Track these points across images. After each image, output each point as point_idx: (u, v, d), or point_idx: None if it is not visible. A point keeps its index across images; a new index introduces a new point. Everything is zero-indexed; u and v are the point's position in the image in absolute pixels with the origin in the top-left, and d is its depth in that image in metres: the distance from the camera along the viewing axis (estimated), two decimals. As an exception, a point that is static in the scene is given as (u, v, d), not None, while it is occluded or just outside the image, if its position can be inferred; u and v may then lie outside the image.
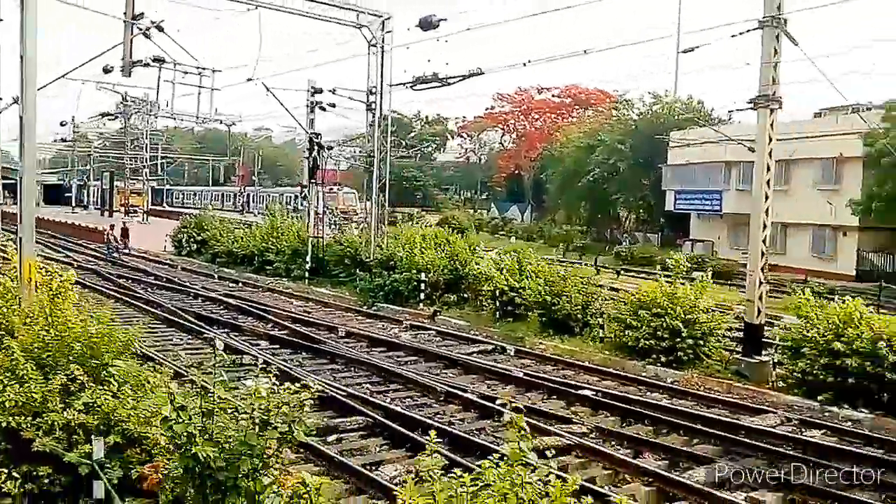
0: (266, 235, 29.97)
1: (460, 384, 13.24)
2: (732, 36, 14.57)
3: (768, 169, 14.56)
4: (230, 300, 22.16)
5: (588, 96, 79.55)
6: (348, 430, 10.53)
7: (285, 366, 13.39)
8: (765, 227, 14.58)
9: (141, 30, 21.15)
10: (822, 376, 12.57)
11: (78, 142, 75.53)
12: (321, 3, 24.64)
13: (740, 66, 30.55)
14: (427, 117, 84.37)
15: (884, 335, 12.00)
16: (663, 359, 14.91)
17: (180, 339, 16.94)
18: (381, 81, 26.05)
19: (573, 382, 13.71)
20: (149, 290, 24.38)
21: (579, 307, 17.48)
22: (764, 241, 14.68)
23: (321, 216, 29.58)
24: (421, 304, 21.66)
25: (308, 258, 27.20)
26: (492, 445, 9.44)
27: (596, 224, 62.31)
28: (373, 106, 26.20)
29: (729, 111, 48.10)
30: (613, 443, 10.48)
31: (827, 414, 12.27)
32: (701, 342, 14.86)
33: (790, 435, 10.97)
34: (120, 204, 65.20)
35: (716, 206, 44.92)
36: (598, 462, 9.63)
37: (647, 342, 15.17)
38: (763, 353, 14.24)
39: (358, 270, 24.99)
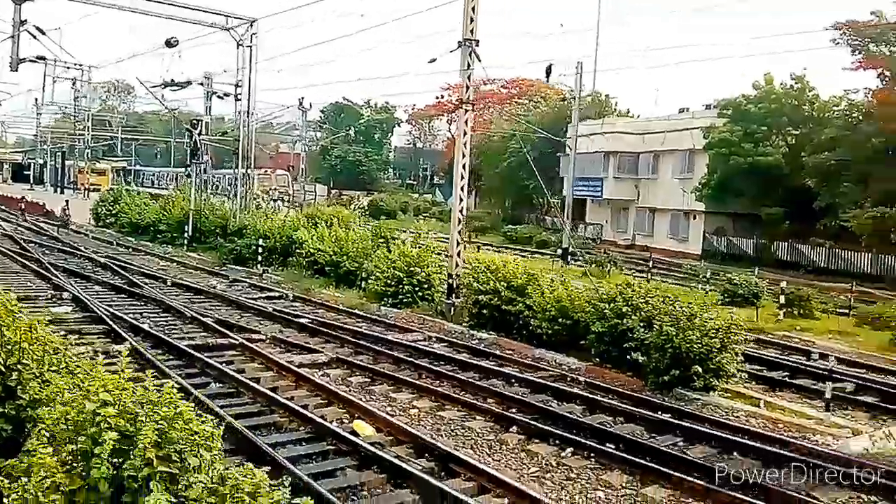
0: (160, 209, 34.29)
1: (218, 315, 17.59)
2: (431, 61, 18.91)
3: (464, 156, 18.86)
4: (102, 259, 26.40)
5: (528, 88, 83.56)
6: (90, 333, 14.87)
7: (88, 299, 17.76)
8: (461, 200, 18.93)
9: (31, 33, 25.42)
10: (473, 310, 17.06)
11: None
12: (194, 8, 28.83)
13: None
14: (376, 104, 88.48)
15: (508, 279, 16.47)
16: (391, 301, 19.37)
17: (33, 284, 21.24)
18: (250, 76, 30.39)
19: (311, 317, 18.12)
20: (45, 251, 28.61)
21: (357, 266, 21.92)
22: (461, 212, 19.05)
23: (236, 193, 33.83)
24: (258, 266, 26.03)
25: (188, 228, 31.52)
26: (177, 341, 13.85)
27: (517, 209, 66.66)
28: (240, 96, 30.50)
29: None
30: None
31: (468, 335, 16.76)
32: (419, 290, 19.29)
33: (415, 344, 15.44)
34: (81, 183, 69.08)
35: (598, 193, 49.36)
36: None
37: (385, 289, 19.62)
38: (456, 297, 18.66)
39: (220, 239, 29.35)
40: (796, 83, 37.01)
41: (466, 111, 18.65)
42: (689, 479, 8.80)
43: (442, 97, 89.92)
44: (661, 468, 9.10)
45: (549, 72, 17.98)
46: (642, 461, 9.33)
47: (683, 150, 42.67)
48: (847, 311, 21.92)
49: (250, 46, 29.83)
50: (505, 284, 16.50)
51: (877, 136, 31.27)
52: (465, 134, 18.79)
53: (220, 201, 35.78)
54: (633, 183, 47.27)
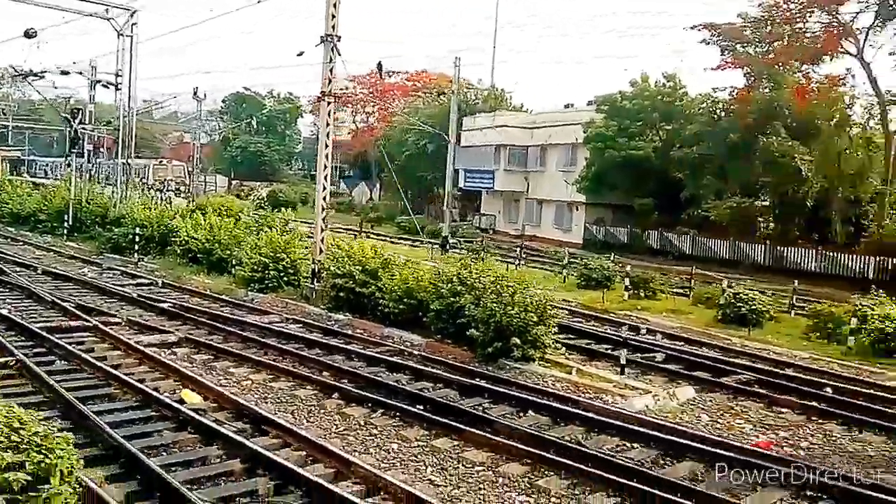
0: (41, 198, 33.79)
1: (81, 301, 17.91)
2: (299, 54, 19.70)
3: (326, 146, 19.70)
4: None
5: (432, 81, 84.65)
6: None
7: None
8: (324, 188, 19.76)
9: None
10: (332, 293, 17.97)
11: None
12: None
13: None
14: (279, 95, 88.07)
15: (363, 263, 17.43)
16: (257, 286, 20.06)
17: None
18: (131, 65, 30.32)
19: (173, 302, 18.64)
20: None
21: (228, 253, 22.48)
22: (324, 199, 19.89)
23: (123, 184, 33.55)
24: (135, 254, 26.20)
25: (68, 217, 31.23)
26: (30, 324, 14.23)
27: (418, 200, 67.78)
28: (120, 86, 30.42)
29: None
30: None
31: (325, 317, 17.66)
32: (285, 275, 20.05)
33: (269, 326, 16.23)
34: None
35: (489, 184, 50.90)
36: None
37: (252, 275, 20.29)
38: (318, 281, 19.50)
39: (99, 228, 29.29)
40: (668, 81, 39.28)
41: (329, 104, 19.45)
42: (476, 430, 9.97)
43: (345, 88, 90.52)
44: (456, 423, 10.23)
45: (380, 67, 18.59)
46: (442, 419, 10.44)
47: (567, 144, 44.50)
48: (687, 292, 23.81)
49: (131, 36, 29.78)
50: (360, 268, 17.45)
51: (735, 131, 33.64)
52: (326, 125, 19.59)
53: (103, 190, 35.40)
54: (522, 175, 48.96)
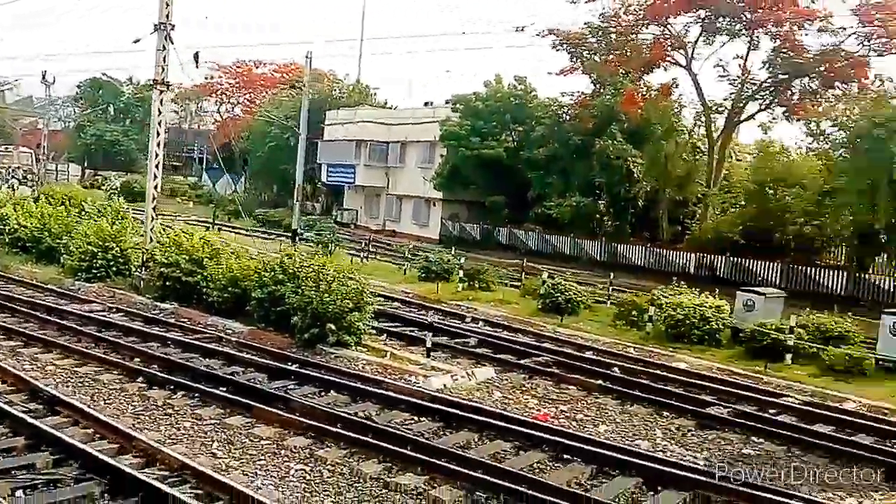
0: None
1: None
2: (135, 41, 19.52)
3: (158, 135, 19.59)
4: None
5: (303, 73, 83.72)
6: None
7: None
8: (155, 177, 19.63)
9: None
10: (159, 282, 17.94)
11: None
12: None
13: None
14: (138, 82, 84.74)
15: (190, 252, 17.52)
16: (85, 275, 19.69)
17: None
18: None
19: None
20: None
21: (58, 242, 21.87)
22: (155, 188, 19.78)
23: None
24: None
25: None
26: None
27: (282, 193, 67.20)
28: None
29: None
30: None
31: (151, 306, 17.61)
32: (115, 264, 19.77)
33: (90, 314, 16.07)
34: None
35: (350, 179, 51.25)
36: None
37: (80, 264, 19.89)
38: (146, 270, 19.37)
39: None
40: (519, 84, 40.92)
41: (161, 92, 19.34)
42: (269, 408, 10.45)
43: (211, 77, 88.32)
44: (252, 402, 10.66)
45: (196, 58, 18.41)
46: (242, 399, 10.84)
47: (426, 142, 45.39)
48: (518, 284, 25.14)
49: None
50: (186, 258, 17.51)
51: (578, 134, 35.54)
52: (159, 114, 19.47)
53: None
54: (383, 171, 49.55)
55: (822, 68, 29.17)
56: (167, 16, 19.03)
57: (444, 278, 24.56)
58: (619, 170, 33.11)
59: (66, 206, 25.42)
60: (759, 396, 13.46)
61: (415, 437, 9.77)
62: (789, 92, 30.47)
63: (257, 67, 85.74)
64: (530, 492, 8.16)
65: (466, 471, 8.63)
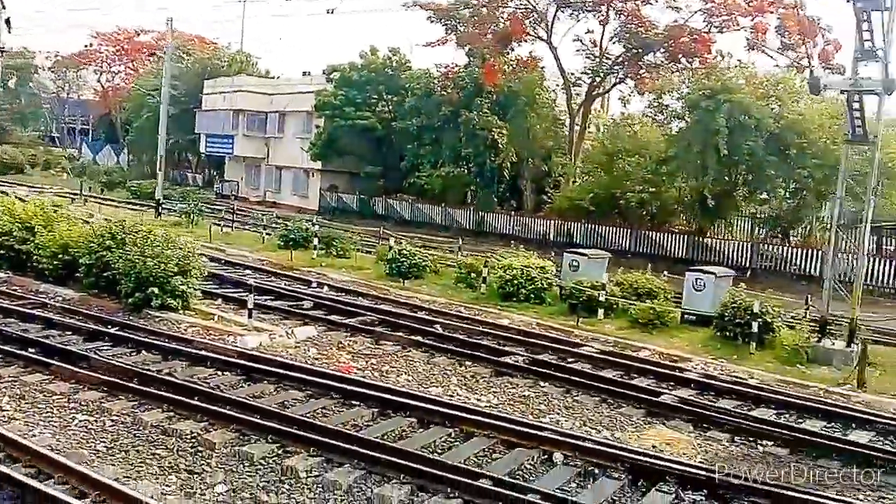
0: None
1: None
2: None
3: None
4: None
5: (186, 42, 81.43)
6: None
7: None
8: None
9: None
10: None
11: None
12: None
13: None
14: (11, 49, 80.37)
15: (24, 220, 17.32)
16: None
17: None
18: None
19: None
20: None
21: None
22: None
23: None
24: None
25: None
26: None
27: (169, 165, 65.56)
28: None
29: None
30: None
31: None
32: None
33: None
34: None
35: (229, 150, 50.67)
36: None
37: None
38: None
39: None
40: (393, 55, 41.30)
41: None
42: (68, 366, 10.70)
43: (90, 45, 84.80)
44: (52, 361, 10.88)
45: (8, 22, 17.23)
46: (44, 359, 11.03)
47: (303, 112, 45.38)
48: (372, 251, 25.81)
49: None
50: (20, 225, 17.30)
51: (446, 105, 36.28)
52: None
53: None
54: (263, 141, 49.20)
55: (668, 44, 30.82)
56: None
57: (302, 246, 24.94)
58: (483, 141, 34.10)
59: None
60: (563, 347, 14.55)
61: (204, 389, 10.26)
62: (638, 66, 31.98)
63: (139, 35, 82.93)
64: (300, 432, 8.81)
65: (246, 416, 9.21)
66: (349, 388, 10.69)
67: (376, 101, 40.10)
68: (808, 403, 11.83)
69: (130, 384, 10.24)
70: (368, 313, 16.30)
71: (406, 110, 38.17)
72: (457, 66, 38.61)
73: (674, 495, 7.94)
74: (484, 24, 35.25)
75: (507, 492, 7.46)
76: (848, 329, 14.98)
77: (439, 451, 8.86)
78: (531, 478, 8.31)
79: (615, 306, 17.35)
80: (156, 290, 14.46)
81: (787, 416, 11.39)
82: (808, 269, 26.29)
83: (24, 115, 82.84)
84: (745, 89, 27.44)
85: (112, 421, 9.18)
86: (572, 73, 34.83)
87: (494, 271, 19.01)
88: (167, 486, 7.61)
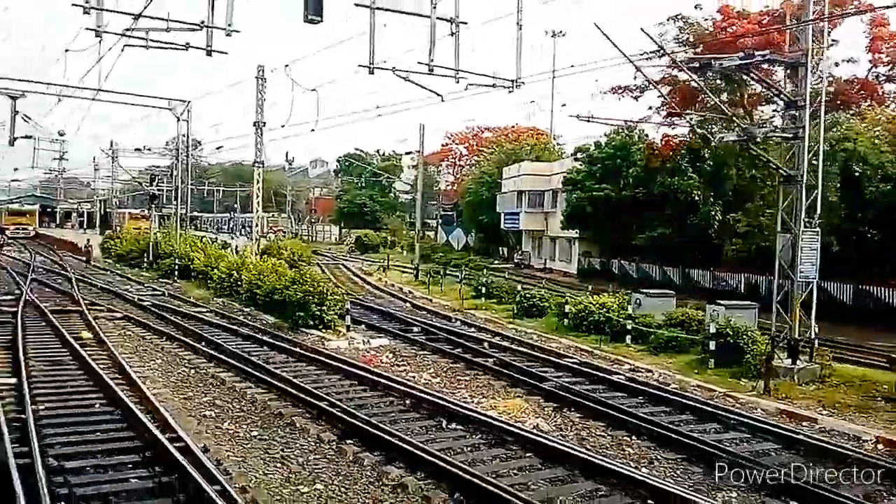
0: (134, 241, 45.88)
1: (93, 299, 28.15)
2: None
3: (258, 200, 29.08)
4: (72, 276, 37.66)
5: (521, 135, 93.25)
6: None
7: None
8: (257, 224, 29.13)
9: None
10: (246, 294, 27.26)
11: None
12: (143, 95, 40.42)
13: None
14: (384, 153, 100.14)
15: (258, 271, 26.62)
16: (223, 294, 29.71)
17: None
18: (188, 140, 41.65)
19: (151, 300, 28.52)
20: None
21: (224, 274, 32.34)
22: (259, 234, 29.24)
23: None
24: (174, 277, 36.80)
25: (149, 253, 42.75)
26: (43, 305, 24.52)
27: (486, 240, 76.40)
28: (181, 158, 41.79)
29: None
30: None
31: (236, 309, 26.81)
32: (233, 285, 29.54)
33: (195, 314, 25.65)
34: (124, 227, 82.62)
35: (517, 225, 58.77)
36: None
37: (219, 285, 30.01)
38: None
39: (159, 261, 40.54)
40: (630, 131, 45.71)
41: (258, 169, 28.96)
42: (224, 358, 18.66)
43: (445, 144, 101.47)
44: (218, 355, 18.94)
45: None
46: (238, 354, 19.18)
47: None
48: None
49: (186, 120, 41.04)
50: (254, 276, 26.63)
51: (660, 173, 40.03)
52: (257, 183, 29.14)
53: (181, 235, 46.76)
54: (542, 216, 56.45)
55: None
56: (261, 115, 28.70)
57: (486, 296, 31.24)
58: (684, 202, 37.09)
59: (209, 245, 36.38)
60: (550, 358, 18.89)
61: (265, 365, 17.24)
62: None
63: (483, 133, 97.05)
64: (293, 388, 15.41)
65: (275, 382, 15.82)
66: (362, 373, 16.43)
67: (612, 174, 44.77)
68: (686, 402, 14.51)
69: (224, 357, 17.78)
70: (449, 335, 22.02)
71: (632, 180, 42.35)
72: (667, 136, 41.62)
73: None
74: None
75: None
76: (789, 347, 16.98)
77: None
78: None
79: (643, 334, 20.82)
80: (302, 314, 22.21)
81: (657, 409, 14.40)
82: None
83: (393, 206, 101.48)
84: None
85: (199, 372, 16.77)
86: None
87: (572, 307, 23.49)
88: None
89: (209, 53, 16.03)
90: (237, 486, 9.45)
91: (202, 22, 16.13)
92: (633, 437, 12.37)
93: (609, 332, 21.64)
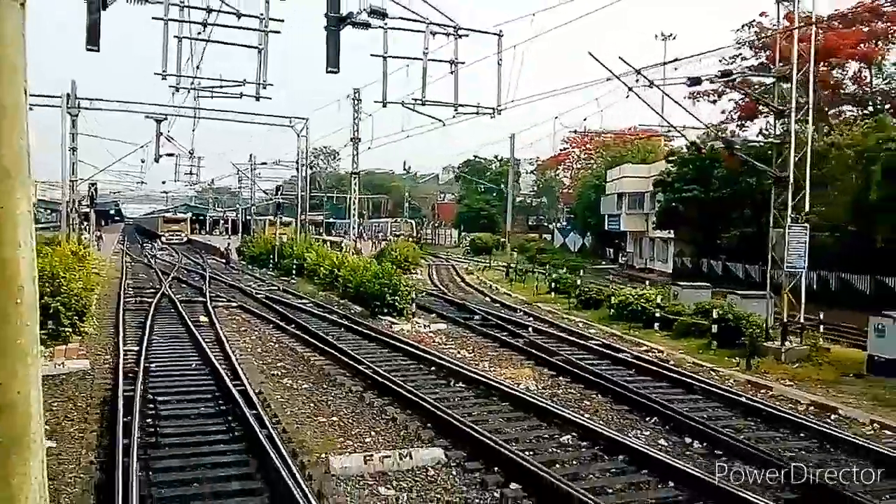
0: (264, 244, 51.72)
1: (219, 292, 33.26)
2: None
3: (355, 208, 33.26)
4: (207, 273, 43.45)
5: (637, 137, 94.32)
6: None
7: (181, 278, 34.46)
8: (350, 226, 33.33)
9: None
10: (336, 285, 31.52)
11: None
12: (266, 115, 45.92)
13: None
14: (502, 158, 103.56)
15: (351, 268, 30.83)
16: (326, 287, 34.21)
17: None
18: (307, 156, 46.79)
19: (266, 293, 33.32)
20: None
21: (327, 271, 36.90)
22: (355, 235, 33.42)
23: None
24: (293, 276, 41.83)
25: (273, 255, 48.28)
26: (175, 296, 29.77)
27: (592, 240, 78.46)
28: (301, 169, 47.00)
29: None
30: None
31: (318, 295, 31.05)
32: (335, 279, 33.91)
33: (298, 305, 30.15)
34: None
35: (618, 227, 60.69)
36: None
37: (323, 281, 34.48)
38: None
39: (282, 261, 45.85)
40: (720, 132, 46.88)
41: (354, 178, 33.15)
42: (318, 343, 22.84)
43: (564, 149, 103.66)
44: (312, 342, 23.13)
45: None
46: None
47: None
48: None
49: (305, 136, 46.16)
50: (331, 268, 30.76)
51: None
52: (354, 192, 33.36)
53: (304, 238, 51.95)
54: (643, 217, 58.14)
55: None
56: (356, 131, 32.91)
57: (562, 293, 34.05)
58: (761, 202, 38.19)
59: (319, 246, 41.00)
60: (578, 341, 21.69)
61: (333, 341, 21.15)
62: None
63: (598, 136, 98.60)
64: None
65: (334, 353, 19.87)
66: (409, 348, 20.06)
67: (701, 175, 46.18)
68: (666, 373, 17.21)
69: (308, 338, 21.81)
70: (498, 321, 25.18)
71: (718, 181, 43.73)
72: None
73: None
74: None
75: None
76: (782, 330, 19.03)
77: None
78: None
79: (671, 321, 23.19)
80: (377, 303, 26.07)
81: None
82: None
83: (505, 210, 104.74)
84: None
85: (281, 349, 20.89)
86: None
87: (615, 299, 26.07)
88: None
89: (257, 99, 20.77)
90: (273, 414, 13.23)
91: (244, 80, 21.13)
92: (599, 396, 15.23)
93: (643, 320, 24.09)
